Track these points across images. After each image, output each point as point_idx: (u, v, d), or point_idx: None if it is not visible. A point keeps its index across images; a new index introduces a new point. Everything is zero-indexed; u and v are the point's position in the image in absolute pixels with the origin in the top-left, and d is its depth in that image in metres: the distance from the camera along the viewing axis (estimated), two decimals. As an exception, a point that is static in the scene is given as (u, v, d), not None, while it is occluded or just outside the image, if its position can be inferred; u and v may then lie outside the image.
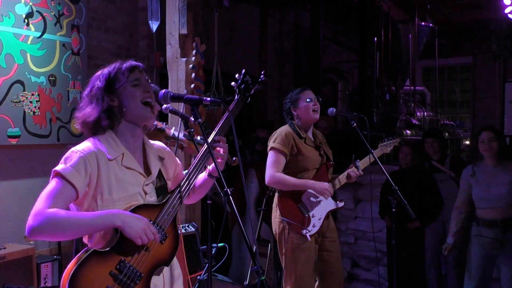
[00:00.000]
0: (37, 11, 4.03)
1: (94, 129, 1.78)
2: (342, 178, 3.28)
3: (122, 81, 1.79)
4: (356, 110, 8.21)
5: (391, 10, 8.68)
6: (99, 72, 1.83)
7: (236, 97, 2.04)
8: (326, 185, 3.14)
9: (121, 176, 1.74)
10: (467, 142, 10.79)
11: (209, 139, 1.90)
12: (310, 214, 3.19)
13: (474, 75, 11.22)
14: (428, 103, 10.12)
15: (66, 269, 1.63)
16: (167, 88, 3.04)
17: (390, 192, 3.21)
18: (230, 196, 1.72)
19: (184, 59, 3.90)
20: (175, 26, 3.91)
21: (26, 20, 3.95)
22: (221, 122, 1.99)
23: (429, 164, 4.55)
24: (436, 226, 4.37)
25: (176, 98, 1.96)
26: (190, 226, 3.77)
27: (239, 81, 2.08)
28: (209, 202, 2.76)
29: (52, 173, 1.69)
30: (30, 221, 1.59)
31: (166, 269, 1.83)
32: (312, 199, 3.21)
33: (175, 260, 1.89)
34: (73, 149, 1.72)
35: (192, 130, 2.18)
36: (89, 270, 1.61)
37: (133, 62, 1.84)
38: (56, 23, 4.19)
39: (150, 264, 1.73)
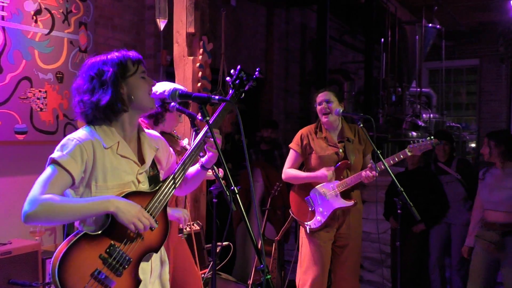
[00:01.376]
0: (45, 8, 4.05)
1: (102, 114, 1.77)
2: (354, 178, 3.24)
3: (132, 70, 1.82)
4: (361, 111, 8.19)
5: (398, 11, 8.65)
6: (101, 58, 1.82)
7: (230, 92, 2.06)
8: (323, 171, 3.21)
9: (116, 164, 1.77)
10: (473, 145, 10.76)
11: (202, 133, 1.92)
12: (316, 208, 3.29)
13: (481, 77, 11.18)
14: (434, 105, 10.09)
15: (56, 251, 1.65)
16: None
17: (395, 193, 3.20)
18: (238, 195, 1.73)
19: (191, 57, 3.91)
20: (182, 24, 3.92)
21: (34, 17, 3.96)
22: (216, 114, 1.99)
23: (435, 165, 4.54)
24: (441, 228, 4.36)
25: (185, 96, 1.96)
26: (194, 224, 3.78)
27: (234, 77, 2.09)
28: (215, 200, 2.77)
29: (48, 160, 1.71)
30: (25, 207, 1.62)
31: (155, 256, 1.88)
32: (319, 194, 3.29)
33: (162, 248, 1.93)
34: (69, 136, 1.74)
35: (198, 128, 2.19)
36: (79, 252, 1.64)
37: (139, 55, 1.87)
38: (64, 21, 4.21)
39: (140, 250, 1.77)
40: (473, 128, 11.07)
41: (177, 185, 1.90)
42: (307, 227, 3.31)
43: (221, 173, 2.95)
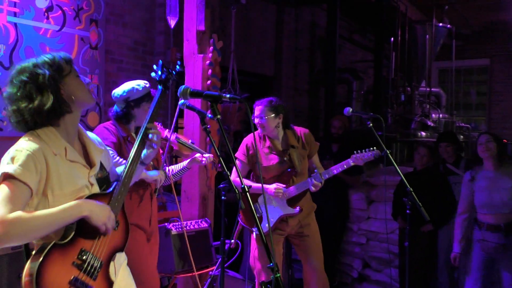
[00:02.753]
0: (57, 5, 4.08)
1: (45, 119, 1.70)
2: (300, 187, 3.33)
3: (67, 70, 1.77)
4: (370, 110, 8.17)
5: (408, 11, 8.61)
6: (31, 61, 1.74)
7: (159, 88, 2.04)
8: (271, 189, 3.27)
9: (68, 170, 1.72)
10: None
11: (142, 129, 1.94)
12: (263, 214, 3.37)
13: (491, 77, 11.10)
14: (444, 105, 10.03)
15: (25, 269, 1.59)
16: (183, 84, 3.08)
17: (404, 193, 3.19)
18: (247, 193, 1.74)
19: (201, 55, 3.92)
20: (193, 22, 3.93)
21: (46, 14, 3.99)
22: (150, 110, 1.99)
23: (443, 166, 4.52)
24: (449, 229, 4.34)
25: (196, 94, 1.97)
26: (203, 222, 3.79)
27: (160, 72, 2.07)
28: (223, 198, 2.79)
29: (1, 176, 1.58)
30: None
31: (116, 255, 1.86)
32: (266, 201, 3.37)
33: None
34: (16, 148, 1.64)
35: (208, 126, 2.20)
36: (52, 264, 1.60)
37: (68, 54, 1.83)
38: (75, 17, 4.23)
39: (108, 251, 1.77)
40: (483, 129, 11.00)
41: (130, 184, 1.89)
42: (254, 233, 3.39)
43: (211, 156, 3.13)
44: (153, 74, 2.09)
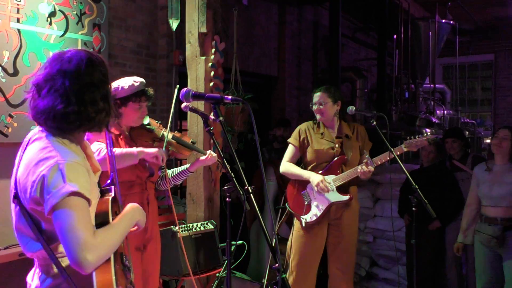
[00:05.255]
0: (59, 10, 4.09)
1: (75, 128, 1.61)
2: (350, 173, 3.33)
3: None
4: (374, 109, 8.15)
5: (411, 7, 8.58)
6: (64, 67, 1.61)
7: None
8: (318, 179, 3.27)
9: (93, 179, 1.65)
10: (488, 141, 10.63)
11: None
12: (312, 202, 3.38)
13: (496, 72, 11.05)
14: (448, 101, 9.99)
15: (101, 282, 1.51)
16: (186, 86, 3.07)
17: (410, 190, 3.18)
18: (251, 194, 1.74)
19: (204, 57, 3.92)
20: (195, 24, 3.94)
21: (49, 19, 4.01)
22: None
23: (450, 163, 4.50)
24: (457, 225, 4.32)
25: (198, 96, 1.98)
26: (209, 224, 3.79)
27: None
28: (228, 200, 2.78)
29: (65, 194, 1.44)
30: (87, 257, 1.41)
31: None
32: (315, 188, 3.35)
33: None
34: (70, 161, 1.50)
35: (211, 128, 2.20)
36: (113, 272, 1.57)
37: None
38: (78, 22, 4.25)
39: (127, 251, 1.78)
40: (488, 124, 10.95)
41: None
42: (303, 221, 3.38)
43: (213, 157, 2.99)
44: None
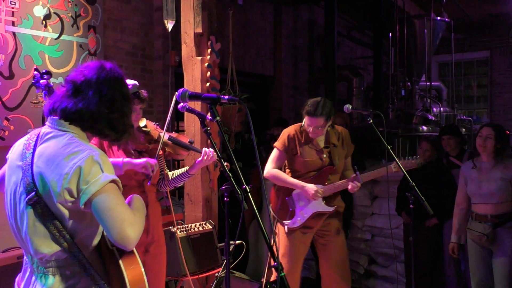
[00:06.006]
0: (54, 12, 4.09)
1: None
2: (339, 185, 3.33)
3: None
4: (371, 107, 8.17)
5: (406, 5, 8.59)
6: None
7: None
8: (311, 190, 3.25)
9: None
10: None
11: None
12: (296, 209, 3.37)
13: (492, 69, 11.08)
14: (445, 99, 10.01)
15: (138, 274, 1.64)
16: (182, 87, 3.07)
17: (407, 188, 3.19)
18: (249, 194, 1.74)
19: (200, 57, 3.92)
20: (190, 25, 3.93)
21: (44, 22, 4.01)
22: None
23: (447, 160, 4.51)
24: (455, 222, 4.34)
25: (194, 96, 1.98)
26: (207, 224, 3.80)
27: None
28: (226, 199, 2.78)
29: (106, 181, 1.54)
30: (130, 233, 1.52)
31: None
32: (302, 196, 3.36)
33: None
34: (101, 153, 1.59)
35: (208, 128, 2.20)
36: None
37: None
38: (73, 24, 4.25)
39: None
40: (485, 121, 10.98)
41: None
42: (285, 227, 3.38)
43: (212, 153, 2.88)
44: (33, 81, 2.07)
